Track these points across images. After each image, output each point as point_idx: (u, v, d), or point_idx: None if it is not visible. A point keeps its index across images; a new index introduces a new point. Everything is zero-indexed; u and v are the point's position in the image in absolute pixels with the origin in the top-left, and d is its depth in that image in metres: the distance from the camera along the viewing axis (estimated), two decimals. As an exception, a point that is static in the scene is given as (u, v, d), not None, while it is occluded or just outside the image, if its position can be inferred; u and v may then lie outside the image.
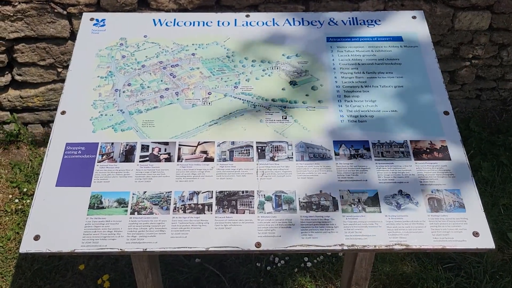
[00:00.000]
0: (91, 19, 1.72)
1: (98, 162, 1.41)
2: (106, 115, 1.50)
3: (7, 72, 2.74)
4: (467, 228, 1.30)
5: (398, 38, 1.68)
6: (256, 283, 2.16)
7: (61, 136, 1.45)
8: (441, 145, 1.44)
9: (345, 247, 1.29)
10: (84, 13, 1.72)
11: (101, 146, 1.44)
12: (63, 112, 1.50)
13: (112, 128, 1.47)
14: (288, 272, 2.20)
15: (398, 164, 1.41)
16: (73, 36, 2.64)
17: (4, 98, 2.80)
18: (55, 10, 2.55)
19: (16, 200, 2.50)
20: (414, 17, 1.74)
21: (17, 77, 2.75)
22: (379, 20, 1.73)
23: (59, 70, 2.76)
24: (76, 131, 1.47)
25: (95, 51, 1.65)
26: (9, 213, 2.45)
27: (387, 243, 1.29)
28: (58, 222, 1.31)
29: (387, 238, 1.30)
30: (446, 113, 1.51)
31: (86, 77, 1.58)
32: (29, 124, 2.93)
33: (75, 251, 1.27)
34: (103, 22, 1.71)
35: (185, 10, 2.53)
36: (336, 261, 2.23)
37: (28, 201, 2.50)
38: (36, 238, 1.29)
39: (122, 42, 1.68)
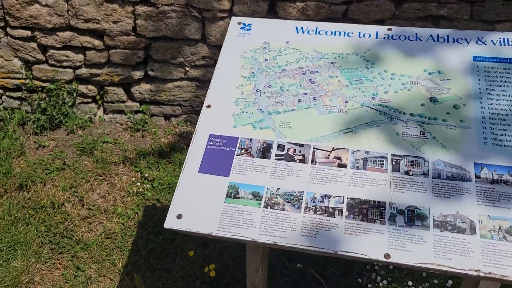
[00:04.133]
0: (239, 23, 1.84)
1: (237, 155, 1.50)
2: (246, 112, 1.59)
3: (142, 66, 3.02)
4: None
5: (555, 63, 1.58)
6: (357, 298, 2.13)
7: (206, 127, 1.57)
8: None
9: (482, 274, 1.23)
10: (232, 17, 1.85)
11: (240, 141, 1.53)
12: (208, 106, 1.62)
13: (252, 125, 1.56)
14: (390, 294, 2.14)
15: (548, 195, 1.32)
16: (203, 39, 2.83)
17: (136, 90, 3.08)
18: (192, 14, 2.76)
19: (138, 184, 2.73)
20: None
21: (150, 72, 3.02)
22: (533, 43, 1.64)
23: (187, 69, 2.98)
24: (219, 124, 1.57)
25: (240, 52, 1.76)
26: (131, 194, 2.68)
27: (529, 277, 1.21)
28: (198, 205, 1.42)
29: (530, 272, 1.22)
30: None
31: (231, 76, 1.70)
32: (153, 116, 3.18)
33: (212, 233, 1.37)
34: (249, 27, 1.82)
35: (311, 20, 2.60)
36: (444, 291, 2.13)
37: (147, 185, 2.71)
38: (179, 217, 1.40)
39: (266, 46, 1.77)
